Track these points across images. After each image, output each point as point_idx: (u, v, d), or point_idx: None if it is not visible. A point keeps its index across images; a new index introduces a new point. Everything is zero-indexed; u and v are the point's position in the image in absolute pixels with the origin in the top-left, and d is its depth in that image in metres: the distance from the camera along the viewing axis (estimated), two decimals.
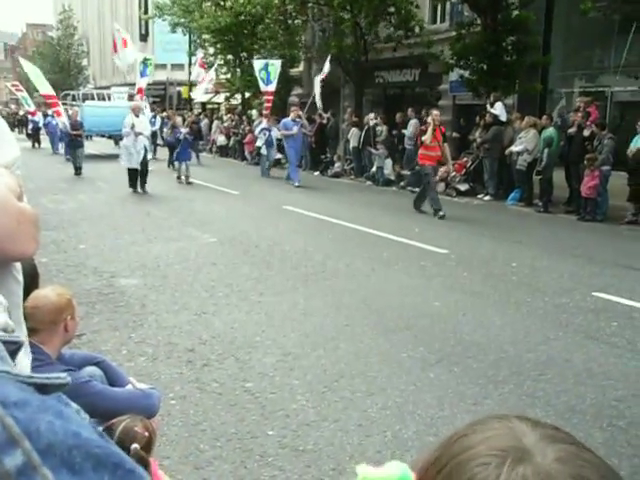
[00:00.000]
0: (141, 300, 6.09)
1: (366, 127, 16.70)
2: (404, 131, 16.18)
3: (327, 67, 17.64)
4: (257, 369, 4.53)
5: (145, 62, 21.09)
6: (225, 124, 24.62)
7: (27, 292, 2.49)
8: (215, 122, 25.85)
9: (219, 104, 30.56)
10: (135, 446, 2.07)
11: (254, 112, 23.32)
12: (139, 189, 13.75)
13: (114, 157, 21.44)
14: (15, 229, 1.23)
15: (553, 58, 15.08)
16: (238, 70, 25.34)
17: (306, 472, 3.26)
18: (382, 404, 4.01)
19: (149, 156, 14.47)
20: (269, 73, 17.94)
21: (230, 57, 25.61)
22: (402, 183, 15.49)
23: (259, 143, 18.01)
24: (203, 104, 32.06)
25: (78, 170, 17.06)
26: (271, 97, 18.24)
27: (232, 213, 11.37)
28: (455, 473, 0.58)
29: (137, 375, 3.93)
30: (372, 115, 17.07)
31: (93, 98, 30.25)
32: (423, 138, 11.31)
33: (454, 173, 14.57)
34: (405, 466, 0.85)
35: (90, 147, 21.19)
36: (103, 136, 27.82)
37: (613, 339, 5.22)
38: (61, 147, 23.35)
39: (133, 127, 13.50)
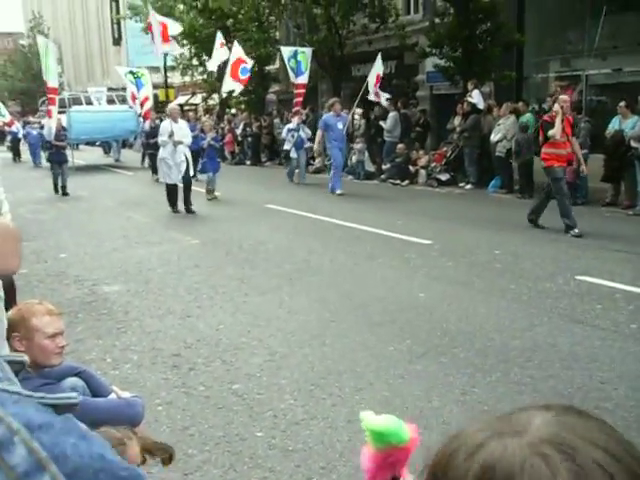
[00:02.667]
0: (124, 307, 6.03)
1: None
2: (382, 124, 16.17)
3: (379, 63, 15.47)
4: (244, 370, 4.50)
5: (134, 75, 19.76)
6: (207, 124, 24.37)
7: (6, 305, 2.45)
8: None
9: (196, 105, 30.42)
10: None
11: (232, 110, 22.67)
12: (181, 209, 11.53)
13: (102, 168, 21.24)
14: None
15: (528, 44, 15.14)
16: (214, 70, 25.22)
17: (296, 472, 3.24)
18: (371, 399, 4.00)
19: (191, 172, 11.90)
20: (300, 62, 15.86)
21: (205, 58, 25.48)
22: (383, 176, 15.50)
23: (287, 146, 15.75)
24: (180, 106, 31.84)
25: (63, 189, 14.39)
26: (302, 90, 16.06)
27: (213, 215, 11.30)
28: (479, 445, 0.59)
29: (123, 383, 3.89)
30: (359, 110, 16.68)
31: (81, 103, 28.01)
32: (550, 133, 8.71)
33: (434, 163, 14.61)
34: (401, 423, 0.94)
35: (77, 156, 19.66)
36: (91, 144, 26.80)
37: (597, 322, 5.25)
38: (43, 157, 21.56)
39: (172, 135, 11.13)
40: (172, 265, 7.57)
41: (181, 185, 11.52)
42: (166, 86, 25.65)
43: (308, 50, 16.41)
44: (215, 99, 27.01)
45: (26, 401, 0.38)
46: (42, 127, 19.55)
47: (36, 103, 40.44)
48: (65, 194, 14.21)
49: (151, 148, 16.77)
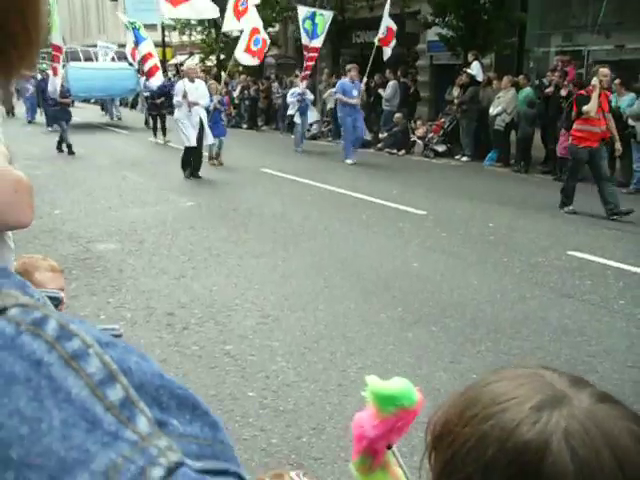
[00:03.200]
0: (119, 265, 6.05)
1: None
2: (381, 92, 16.04)
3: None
4: (237, 332, 4.54)
5: (132, 26, 18.05)
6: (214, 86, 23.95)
7: None
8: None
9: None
10: None
11: (223, 74, 21.17)
12: (187, 174, 10.96)
13: (99, 127, 20.90)
14: (13, 198, 1.21)
15: (531, 17, 14.97)
16: (213, 31, 24.81)
17: (287, 432, 3.31)
18: (361, 364, 4.06)
19: (210, 140, 11.43)
20: (316, 25, 14.64)
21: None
22: (379, 145, 15.43)
23: (291, 111, 15.31)
24: (176, 66, 31.37)
25: (69, 148, 13.93)
26: (315, 54, 14.97)
27: (209, 177, 11.26)
28: (499, 417, 0.61)
29: None
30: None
31: (79, 58, 25.89)
32: (584, 108, 8.10)
33: (432, 134, 14.54)
34: (410, 385, 0.93)
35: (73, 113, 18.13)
36: (88, 101, 26.14)
37: (587, 296, 5.32)
38: (40, 114, 21.19)
39: (186, 96, 10.54)
40: (167, 226, 7.57)
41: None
42: (164, 45, 25.21)
43: (327, 13, 15.29)
44: (213, 60, 26.63)
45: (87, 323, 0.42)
46: (42, 81, 19.04)
47: None
48: (71, 152, 13.84)
49: (156, 109, 16.41)
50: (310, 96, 15.30)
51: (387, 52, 14.21)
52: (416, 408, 0.92)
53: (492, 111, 12.66)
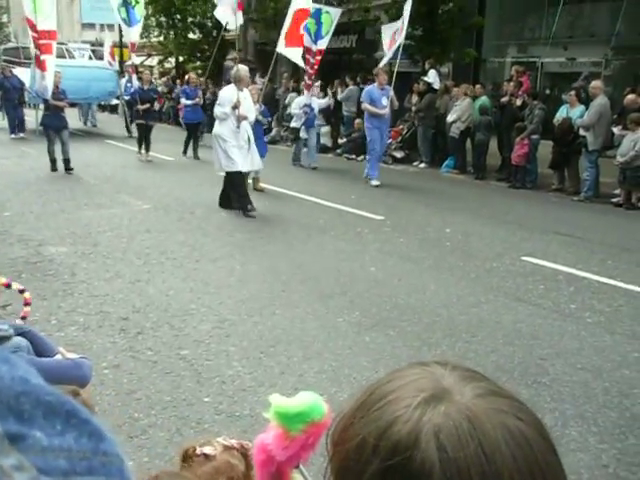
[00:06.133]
0: (71, 268, 5.91)
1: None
2: (340, 97, 16.12)
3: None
4: (192, 336, 4.48)
5: (128, 3, 15.75)
6: (159, 88, 23.36)
7: None
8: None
9: (152, 67, 29.62)
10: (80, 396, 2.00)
11: (192, 75, 19.51)
12: (248, 212, 8.50)
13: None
14: None
15: (488, 28, 15.28)
16: (172, 32, 24.57)
17: (243, 437, 3.22)
18: (318, 368, 4.05)
19: (257, 164, 9.19)
20: (321, 24, 12.52)
21: (163, 19, 24.76)
22: (339, 150, 15.50)
23: (295, 123, 13.39)
24: (135, 67, 30.93)
25: (66, 163, 11.37)
26: (319, 58, 12.85)
27: (166, 180, 11.11)
28: (379, 415, 0.59)
29: (68, 345, 3.81)
30: (318, 82, 16.47)
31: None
32: None
33: (390, 140, 14.67)
34: (318, 397, 0.86)
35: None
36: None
37: (540, 301, 5.43)
38: (2, 118, 17.89)
39: (237, 107, 8.42)
40: (122, 229, 7.43)
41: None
42: (121, 45, 24.81)
43: (334, 11, 13.15)
44: (171, 62, 26.36)
45: None
46: (5, 79, 16.69)
47: None
48: (69, 169, 11.36)
49: (140, 117, 13.57)
50: (321, 101, 13.82)
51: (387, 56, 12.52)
52: (325, 420, 0.85)
53: (449, 118, 12.86)
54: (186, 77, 17.74)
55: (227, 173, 8.66)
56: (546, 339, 4.62)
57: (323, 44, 12.77)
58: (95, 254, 6.39)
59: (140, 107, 13.33)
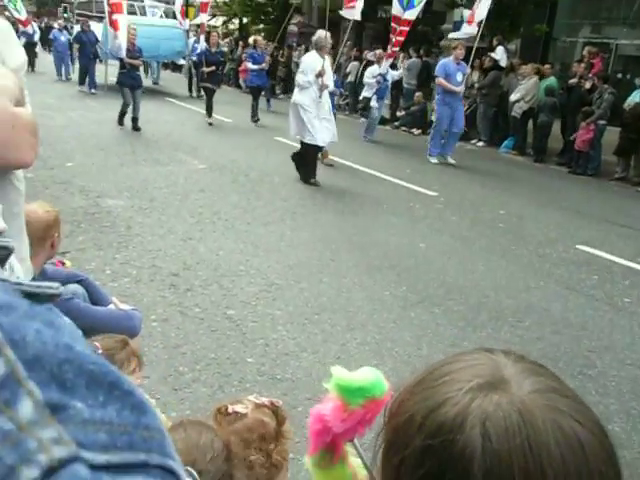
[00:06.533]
0: (127, 222, 6.06)
1: (364, 62, 16.34)
2: (401, 69, 15.85)
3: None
4: (240, 297, 4.56)
5: None
6: (224, 48, 22.89)
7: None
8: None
9: (215, 27, 29.66)
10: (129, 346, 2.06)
11: (259, 38, 18.70)
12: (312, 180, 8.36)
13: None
14: (10, 134, 1.17)
15: (561, 6, 14.70)
16: None
17: (282, 399, 3.30)
18: (361, 339, 4.07)
19: (332, 136, 8.63)
20: None
21: None
22: (396, 123, 15.30)
23: (367, 93, 12.57)
24: (208, 28, 31.00)
25: (134, 122, 11.38)
26: (406, 29, 11.89)
27: (223, 141, 11.20)
28: (431, 395, 0.59)
29: (120, 295, 3.93)
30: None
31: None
32: None
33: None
34: (380, 374, 0.87)
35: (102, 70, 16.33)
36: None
37: (592, 292, 5.30)
38: (72, 71, 18.78)
39: (322, 75, 8.06)
40: (178, 186, 7.55)
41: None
42: (187, 4, 24.86)
43: None
44: (235, 24, 26.34)
45: None
46: (82, 33, 17.10)
47: (53, 4, 38.63)
48: (136, 128, 11.32)
49: (209, 80, 13.20)
50: (391, 77, 12.94)
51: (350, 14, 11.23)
52: (385, 398, 0.85)
53: (513, 97, 12.51)
54: (250, 40, 17.53)
55: (302, 142, 8.39)
56: (595, 331, 4.52)
57: (413, 14, 11.75)
58: (150, 209, 6.53)
59: (206, 69, 13.13)
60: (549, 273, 5.66)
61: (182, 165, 8.85)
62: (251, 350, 3.81)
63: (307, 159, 8.33)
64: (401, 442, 0.60)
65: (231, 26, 27.12)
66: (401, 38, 12.01)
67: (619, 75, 14.49)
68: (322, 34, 8.35)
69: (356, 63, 17.03)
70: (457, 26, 17.07)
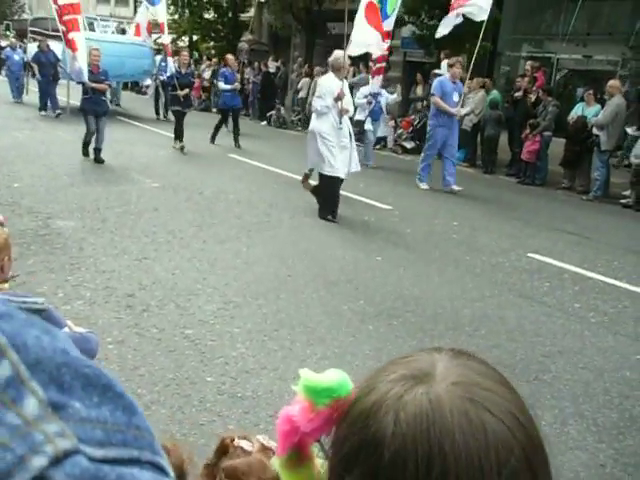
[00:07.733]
0: (79, 243, 5.93)
1: (316, 78, 16.49)
2: (350, 82, 16.04)
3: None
4: (197, 316, 4.51)
5: None
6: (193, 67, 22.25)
7: None
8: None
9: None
10: None
11: (230, 56, 17.57)
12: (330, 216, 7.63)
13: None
14: None
15: (504, 22, 15.16)
16: (187, 11, 24.45)
17: (244, 418, 3.30)
18: (321, 354, 4.07)
19: (355, 166, 7.90)
20: (386, 3, 10.49)
21: None
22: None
23: (360, 116, 11.78)
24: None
25: (97, 152, 10.13)
26: (387, 42, 10.59)
27: (175, 160, 11.11)
28: (362, 388, 0.64)
29: (74, 319, 3.83)
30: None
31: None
32: None
33: (401, 130, 14.62)
34: (345, 375, 0.89)
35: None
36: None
37: (544, 298, 5.44)
38: (27, 92, 17.54)
39: (341, 99, 7.34)
40: (131, 206, 7.44)
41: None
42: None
43: None
44: (185, 41, 26.24)
45: None
46: (41, 53, 15.84)
47: None
48: (99, 160, 10.08)
49: (179, 103, 12.20)
50: (384, 99, 12.23)
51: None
52: (351, 397, 0.91)
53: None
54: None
55: (321, 175, 7.67)
56: (549, 337, 4.64)
57: (389, 25, 10.65)
58: (103, 230, 6.42)
59: (180, 93, 12.07)
60: (502, 282, 5.79)
61: (135, 184, 8.73)
62: (210, 369, 3.77)
63: (326, 193, 7.62)
64: (335, 433, 0.66)
65: (180, 43, 26.97)
66: (385, 52, 10.89)
67: (562, 87, 15.01)
68: (339, 54, 7.60)
69: (307, 79, 17.19)
70: (405, 42, 17.45)
